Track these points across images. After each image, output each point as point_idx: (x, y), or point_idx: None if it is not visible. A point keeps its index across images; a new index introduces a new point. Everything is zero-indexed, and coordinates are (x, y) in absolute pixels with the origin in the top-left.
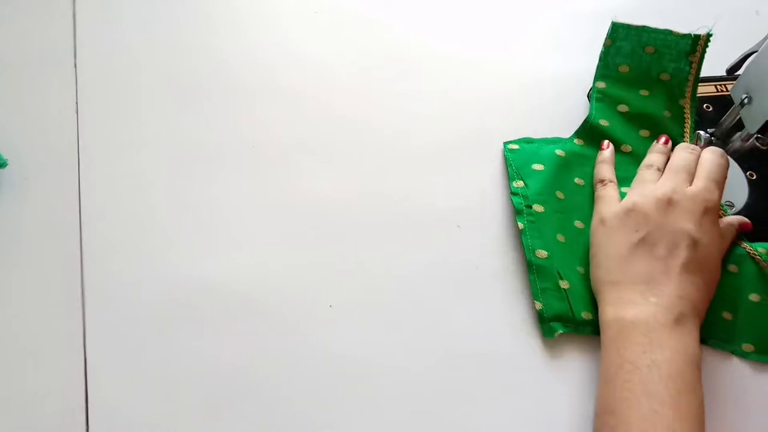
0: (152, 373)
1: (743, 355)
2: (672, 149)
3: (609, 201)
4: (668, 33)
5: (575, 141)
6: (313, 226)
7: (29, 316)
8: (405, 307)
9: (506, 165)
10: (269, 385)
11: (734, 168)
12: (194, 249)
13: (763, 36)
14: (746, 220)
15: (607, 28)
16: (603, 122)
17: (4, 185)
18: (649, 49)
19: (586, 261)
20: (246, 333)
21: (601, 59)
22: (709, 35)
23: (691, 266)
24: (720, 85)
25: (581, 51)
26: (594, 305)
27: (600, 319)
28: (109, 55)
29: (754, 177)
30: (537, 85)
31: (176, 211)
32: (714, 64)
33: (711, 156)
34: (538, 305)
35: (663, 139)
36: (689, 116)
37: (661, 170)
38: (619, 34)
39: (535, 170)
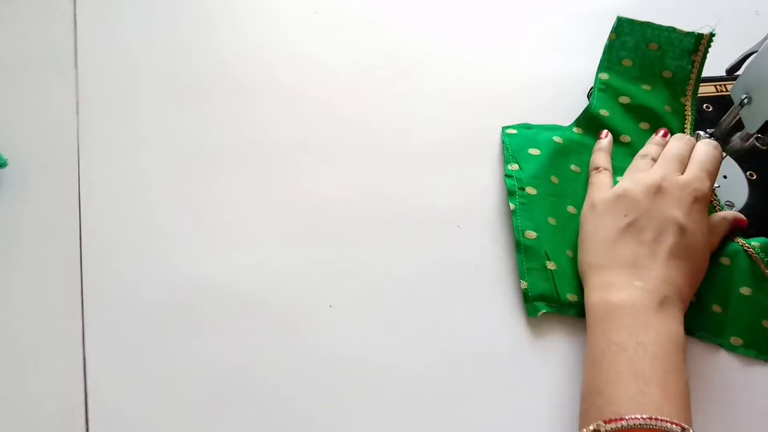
0: (152, 373)
1: (731, 349)
2: None
3: (601, 187)
4: (672, 30)
5: (574, 129)
6: (313, 226)
7: (29, 316)
8: (405, 307)
9: (503, 149)
10: (269, 385)
11: (734, 168)
12: (194, 249)
13: (763, 36)
14: (741, 216)
15: (613, 23)
16: (603, 112)
17: (4, 185)
18: (653, 46)
19: (575, 245)
20: (246, 333)
21: (605, 52)
22: (712, 35)
23: (676, 252)
24: (720, 85)
25: (581, 51)
26: (580, 288)
27: (585, 303)
28: (109, 55)
29: (754, 177)
30: (537, 85)
31: (176, 211)
32: (714, 64)
33: (705, 147)
34: (524, 284)
35: (662, 132)
36: (690, 114)
37: (656, 161)
38: (624, 29)
39: (531, 155)
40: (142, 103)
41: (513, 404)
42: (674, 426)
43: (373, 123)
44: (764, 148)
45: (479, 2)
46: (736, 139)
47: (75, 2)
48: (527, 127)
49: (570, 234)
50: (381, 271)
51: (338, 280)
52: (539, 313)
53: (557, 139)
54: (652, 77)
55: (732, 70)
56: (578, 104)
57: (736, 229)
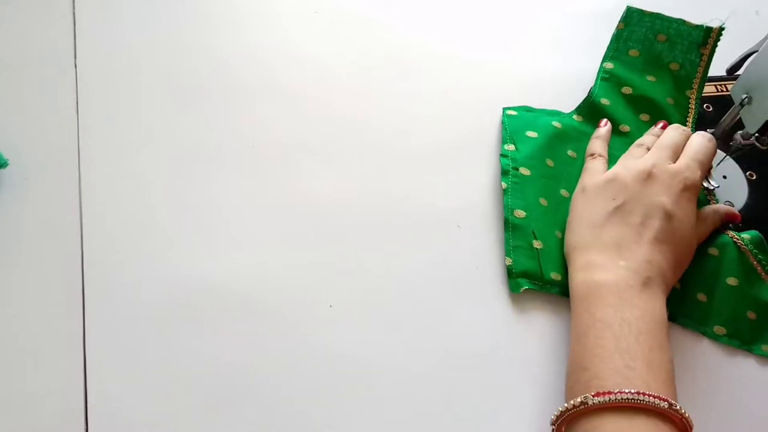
0: (152, 373)
1: (714, 338)
2: None
3: (593, 172)
4: (681, 22)
5: (574, 116)
6: (313, 226)
7: (29, 316)
8: (405, 307)
9: (501, 129)
10: (269, 385)
11: (734, 168)
12: (194, 249)
13: (763, 36)
14: (734, 211)
15: (621, 13)
16: (604, 101)
17: (4, 185)
18: (661, 37)
19: (565, 226)
20: (246, 333)
21: (612, 41)
22: (721, 28)
23: (662, 236)
24: (720, 85)
25: (581, 51)
26: (564, 268)
27: (570, 283)
28: (109, 55)
29: (754, 177)
30: (537, 85)
31: (176, 211)
32: (714, 64)
33: (699, 139)
34: (508, 261)
35: (661, 124)
36: (693, 108)
37: None
38: (633, 19)
39: (528, 137)
40: (142, 103)
41: (513, 404)
42: (661, 401)
43: (373, 123)
44: (764, 148)
45: (479, 2)
46: (736, 139)
47: (74, 2)
48: (528, 110)
49: (560, 215)
50: (381, 271)
51: (338, 280)
52: (521, 289)
53: (556, 124)
54: (658, 68)
55: (732, 70)
56: (578, 104)
57: (729, 224)
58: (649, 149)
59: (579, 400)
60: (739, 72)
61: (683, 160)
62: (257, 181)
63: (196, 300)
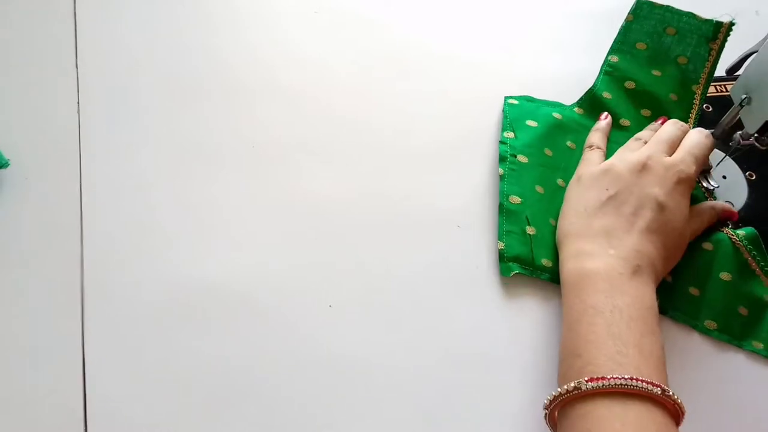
0: (152, 373)
1: (705, 332)
2: None
3: (590, 163)
4: (692, 16)
5: (575, 109)
6: (313, 226)
7: (29, 316)
8: (405, 307)
9: (502, 117)
10: (269, 385)
11: (734, 168)
12: (194, 249)
13: (763, 36)
14: (731, 208)
15: (631, 5)
16: (606, 95)
17: (4, 185)
18: (671, 30)
19: (559, 215)
20: (246, 333)
21: (620, 33)
22: (731, 23)
23: (653, 227)
24: (720, 85)
25: (581, 51)
26: (556, 255)
27: (560, 271)
28: (109, 55)
29: (754, 177)
30: (537, 85)
31: (176, 211)
32: None
33: (696, 134)
34: (500, 245)
35: (662, 120)
36: (697, 104)
37: None
38: (643, 11)
39: (528, 125)
40: (142, 102)
41: (513, 404)
42: (654, 387)
43: (373, 123)
44: (764, 148)
45: (479, 2)
46: (736, 139)
47: (75, 2)
48: (529, 99)
49: (556, 204)
50: (381, 271)
51: (338, 280)
52: (511, 273)
53: (557, 115)
54: (665, 62)
55: (732, 70)
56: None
57: (726, 222)
58: (646, 143)
59: (572, 384)
60: (739, 72)
61: (679, 153)
62: (257, 181)
63: (196, 300)
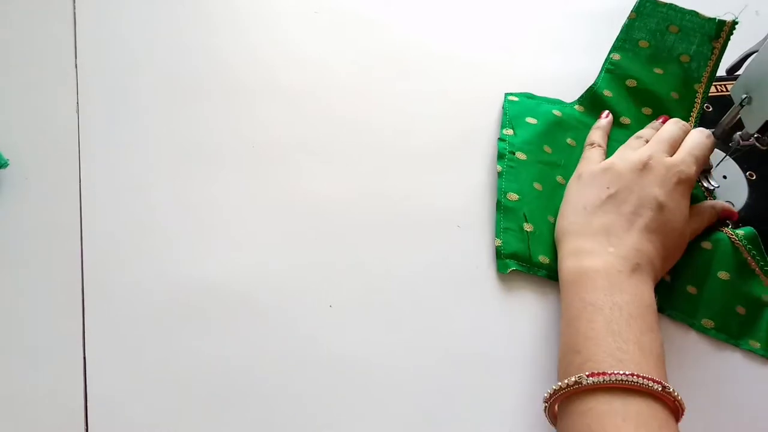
0: (152, 372)
1: (702, 330)
2: None
3: (590, 161)
4: (695, 14)
5: (576, 107)
6: (313, 226)
7: (29, 316)
8: (405, 307)
9: (502, 113)
10: (269, 385)
11: (734, 168)
12: (194, 249)
13: (763, 36)
14: (731, 207)
15: (635, 3)
16: (607, 92)
17: (4, 185)
18: (674, 28)
19: (558, 212)
20: (246, 333)
21: (622, 31)
22: (734, 22)
23: (653, 226)
24: (720, 85)
25: (581, 51)
26: (553, 252)
27: (559, 269)
28: (108, 55)
29: (754, 177)
30: (537, 85)
31: (176, 211)
32: None
33: (697, 134)
34: (498, 242)
35: (663, 119)
36: (699, 102)
37: None
38: (646, 9)
39: (527, 122)
40: (142, 102)
41: (513, 404)
42: (655, 383)
43: (373, 123)
44: (764, 148)
45: (479, 2)
46: (736, 139)
47: (75, 2)
48: (529, 96)
49: (555, 201)
50: (381, 271)
51: (338, 280)
52: (508, 270)
53: (557, 112)
54: (667, 60)
55: (732, 70)
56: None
57: (726, 222)
58: (647, 142)
59: (573, 379)
60: (739, 72)
61: (680, 154)
62: (257, 181)
63: (196, 300)
